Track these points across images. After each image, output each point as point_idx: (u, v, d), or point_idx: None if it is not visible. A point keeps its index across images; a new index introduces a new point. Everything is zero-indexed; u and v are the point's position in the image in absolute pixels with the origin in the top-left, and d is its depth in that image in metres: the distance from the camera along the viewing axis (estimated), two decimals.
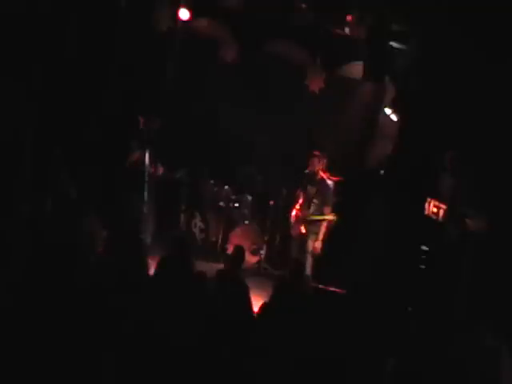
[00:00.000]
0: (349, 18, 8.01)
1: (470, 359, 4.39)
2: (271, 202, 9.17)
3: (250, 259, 8.74)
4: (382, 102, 8.65)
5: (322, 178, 7.72)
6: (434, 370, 4.24)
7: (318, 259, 7.63)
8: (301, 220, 7.81)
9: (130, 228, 6.92)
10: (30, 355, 3.60)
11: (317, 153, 7.76)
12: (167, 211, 8.68)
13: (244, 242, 8.52)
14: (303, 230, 7.75)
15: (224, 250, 8.96)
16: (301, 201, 7.93)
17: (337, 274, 7.01)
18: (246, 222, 9.11)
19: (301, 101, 9.26)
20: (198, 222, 9.36)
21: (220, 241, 9.24)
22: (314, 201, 7.71)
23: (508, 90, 6.40)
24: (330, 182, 7.75)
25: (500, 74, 6.43)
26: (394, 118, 8.16)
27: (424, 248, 6.69)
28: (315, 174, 7.73)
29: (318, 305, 5.46)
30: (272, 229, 9.22)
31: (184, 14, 8.50)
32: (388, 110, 8.24)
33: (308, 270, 7.46)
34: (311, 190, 7.78)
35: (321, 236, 7.57)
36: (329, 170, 7.95)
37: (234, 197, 9.28)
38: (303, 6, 8.16)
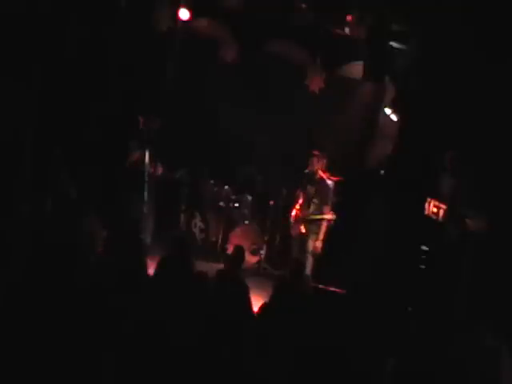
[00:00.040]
0: (349, 18, 8.00)
1: (470, 359, 4.39)
2: (271, 202, 9.17)
3: (250, 259, 8.74)
4: (382, 101, 8.65)
5: (322, 177, 7.72)
6: (434, 370, 4.24)
7: (318, 259, 7.64)
8: (301, 220, 7.82)
9: (129, 228, 6.92)
10: (30, 355, 3.60)
11: (316, 152, 7.77)
12: (167, 211, 8.68)
13: (244, 242, 8.52)
14: (303, 230, 7.75)
15: (224, 249, 8.96)
16: (301, 201, 7.94)
17: (337, 274, 7.00)
18: (246, 222, 9.11)
19: (301, 101, 9.25)
20: (198, 222, 9.36)
21: (220, 241, 9.24)
22: (314, 200, 7.72)
23: (508, 90, 6.40)
24: (329, 182, 7.76)
25: (500, 73, 6.42)
26: (394, 118, 8.16)
27: (424, 248, 6.69)
28: (315, 173, 7.74)
29: (318, 305, 5.46)
30: (272, 229, 9.22)
31: (184, 13, 8.50)
32: (388, 110, 8.24)
33: (308, 270, 7.46)
34: (311, 189, 7.79)
35: (321, 236, 7.58)
36: (329, 169, 7.95)
37: (233, 197, 9.28)
38: (303, 5, 8.16)
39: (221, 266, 6.76)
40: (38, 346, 3.65)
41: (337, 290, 6.26)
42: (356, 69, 8.61)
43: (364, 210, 8.24)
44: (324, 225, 7.62)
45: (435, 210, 6.59)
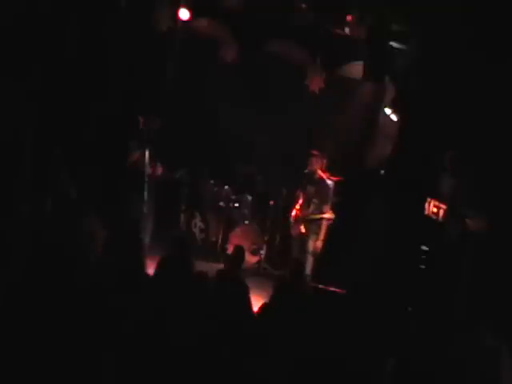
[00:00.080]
0: (349, 17, 8.00)
1: (470, 359, 4.39)
2: (271, 202, 9.17)
3: (250, 259, 8.74)
4: (382, 101, 8.65)
5: (321, 177, 7.73)
6: (434, 370, 4.24)
7: (319, 259, 7.64)
8: (301, 220, 7.82)
9: (130, 228, 6.92)
10: (30, 355, 3.60)
11: (315, 152, 7.78)
12: (167, 211, 8.68)
13: (244, 242, 8.53)
14: (303, 230, 7.76)
15: (224, 249, 8.96)
16: (301, 201, 7.94)
17: (337, 274, 7.00)
18: (246, 222, 9.12)
19: (301, 101, 9.25)
20: (198, 222, 9.36)
21: (220, 241, 9.24)
22: (314, 200, 7.73)
23: (508, 90, 6.40)
24: (329, 182, 7.76)
25: (500, 73, 6.42)
26: (394, 118, 8.16)
27: (424, 248, 6.69)
28: (314, 173, 7.74)
29: (318, 305, 5.46)
30: (272, 229, 9.22)
31: (184, 13, 8.50)
32: (388, 110, 8.24)
33: (308, 270, 7.47)
34: (310, 189, 7.80)
35: (322, 235, 7.59)
36: (329, 169, 7.96)
37: (233, 197, 9.29)
38: (303, 5, 8.16)
39: (221, 266, 6.77)
40: (38, 346, 3.65)
41: (337, 289, 6.26)
42: (356, 69, 8.61)
43: (364, 209, 8.24)
44: (324, 224, 7.62)
45: (435, 209, 6.59)
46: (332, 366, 4.13)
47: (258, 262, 8.91)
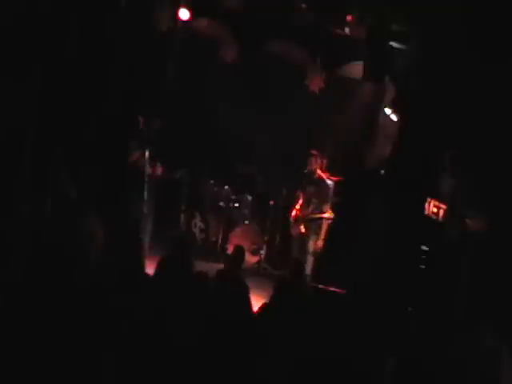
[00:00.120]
0: (349, 17, 8.00)
1: (470, 359, 4.39)
2: (271, 202, 9.17)
3: (250, 259, 8.74)
4: (382, 101, 8.64)
5: (320, 176, 7.74)
6: (434, 370, 4.24)
7: (319, 259, 7.65)
8: (300, 220, 7.82)
9: (130, 228, 6.92)
10: (30, 355, 3.60)
11: (314, 152, 7.79)
12: (167, 211, 8.69)
13: (244, 242, 8.53)
14: (303, 230, 7.76)
15: (224, 249, 8.97)
16: (301, 201, 7.95)
17: (337, 274, 7.01)
18: (246, 222, 9.12)
19: (301, 101, 9.25)
20: (198, 222, 9.36)
21: (220, 241, 9.24)
22: (314, 200, 7.74)
23: (508, 90, 6.40)
24: (329, 182, 7.77)
25: (500, 74, 6.42)
26: (394, 118, 8.16)
27: (424, 248, 6.69)
28: (313, 173, 7.75)
29: (318, 305, 5.46)
30: (272, 229, 9.23)
31: (184, 13, 8.50)
32: (388, 110, 8.24)
33: (308, 270, 7.47)
34: (310, 189, 7.81)
35: (322, 235, 7.60)
36: (329, 169, 7.96)
37: (234, 197, 9.29)
38: (303, 5, 8.16)
39: (221, 266, 6.77)
40: (38, 346, 3.65)
41: (337, 289, 6.26)
42: (356, 69, 8.61)
43: (364, 209, 8.24)
44: (324, 224, 7.64)
45: (435, 209, 6.59)
46: (332, 366, 4.13)
47: (258, 262, 8.91)
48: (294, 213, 7.98)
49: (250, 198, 9.32)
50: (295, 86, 9.26)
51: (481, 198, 6.29)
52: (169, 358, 3.85)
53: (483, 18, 6.52)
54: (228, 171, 9.41)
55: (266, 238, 9.07)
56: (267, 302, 4.81)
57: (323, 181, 7.74)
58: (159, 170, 7.65)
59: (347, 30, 8.17)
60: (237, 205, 9.24)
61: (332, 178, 7.96)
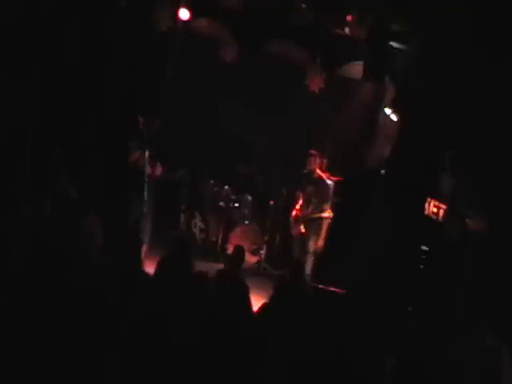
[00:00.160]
0: (349, 17, 8.00)
1: (470, 359, 4.39)
2: (271, 202, 9.17)
3: (250, 259, 8.74)
4: (382, 101, 8.64)
5: (320, 176, 7.75)
6: (434, 370, 4.24)
7: (319, 258, 7.65)
8: (300, 220, 7.83)
9: (130, 228, 6.92)
10: (30, 355, 3.60)
11: (313, 152, 7.79)
12: (167, 211, 8.69)
13: (244, 242, 8.53)
14: (303, 230, 7.77)
15: (224, 249, 8.97)
16: (300, 201, 7.95)
17: (337, 274, 7.01)
18: (246, 222, 9.12)
19: (301, 101, 9.25)
20: (198, 222, 9.36)
21: (220, 241, 9.24)
22: (313, 200, 7.74)
23: (508, 90, 6.40)
24: (329, 182, 7.78)
25: (500, 74, 6.42)
26: (394, 118, 8.16)
27: (424, 248, 6.69)
28: (313, 172, 7.76)
29: (318, 305, 5.46)
30: (272, 229, 9.22)
31: (184, 13, 8.49)
32: (388, 110, 8.24)
33: (308, 270, 7.47)
34: (309, 189, 7.81)
35: (323, 234, 7.61)
36: (329, 169, 7.96)
37: (233, 197, 9.29)
38: (303, 5, 8.15)
39: (221, 266, 6.77)
40: (38, 346, 3.65)
41: (337, 289, 6.26)
42: (356, 69, 8.61)
43: (364, 209, 8.24)
44: (324, 224, 7.64)
45: (435, 209, 6.59)
46: (332, 366, 4.13)
47: (258, 262, 8.91)
48: (294, 213, 7.98)
49: (250, 197, 9.32)
50: (295, 85, 9.25)
51: (481, 198, 6.29)
52: (169, 357, 3.85)
53: (483, 18, 6.52)
54: (228, 171, 9.41)
55: (266, 238, 9.06)
56: (267, 301, 4.81)
57: (323, 181, 7.75)
58: (159, 170, 7.65)
59: (347, 30, 8.17)
60: (237, 205, 9.24)
61: (332, 177, 7.96)
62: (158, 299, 4.35)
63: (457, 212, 6.41)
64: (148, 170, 7.36)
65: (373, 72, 8.15)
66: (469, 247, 6.30)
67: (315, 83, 9.10)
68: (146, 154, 7.29)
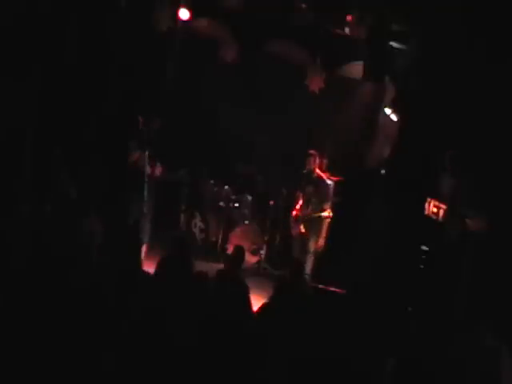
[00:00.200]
0: (349, 17, 8.00)
1: (470, 359, 4.39)
2: (271, 202, 9.17)
3: (250, 259, 8.74)
4: (382, 101, 8.64)
5: (319, 176, 7.75)
6: (434, 370, 4.24)
7: (319, 258, 7.65)
8: (300, 219, 7.83)
9: (129, 228, 6.92)
10: (30, 355, 3.60)
11: (312, 152, 7.80)
12: (167, 211, 8.69)
13: (244, 242, 8.53)
14: (303, 230, 7.77)
15: (224, 249, 8.96)
16: (300, 201, 7.96)
17: (337, 274, 7.01)
18: (246, 222, 9.11)
19: (301, 101, 9.25)
20: (198, 222, 9.36)
21: (220, 241, 9.24)
22: (313, 200, 7.74)
23: (508, 90, 6.40)
24: (329, 181, 7.78)
25: (500, 73, 6.42)
26: (394, 117, 8.16)
27: (424, 248, 6.69)
28: (312, 172, 7.76)
29: (318, 305, 5.46)
30: (272, 229, 9.22)
31: (184, 13, 8.49)
32: (388, 110, 8.24)
33: (308, 270, 7.47)
34: (309, 189, 7.81)
35: (323, 234, 7.62)
36: (329, 169, 7.96)
37: (233, 197, 9.28)
38: (303, 5, 8.15)
39: (221, 266, 6.76)
40: (38, 346, 3.65)
41: (337, 289, 6.26)
42: (356, 69, 8.60)
43: (364, 209, 8.24)
44: (325, 223, 7.65)
45: (435, 209, 6.59)
46: (332, 366, 4.13)
47: (258, 262, 8.91)
48: (294, 213, 7.98)
49: (250, 197, 9.32)
50: (295, 86, 9.25)
51: (481, 198, 6.29)
52: (169, 357, 3.85)
53: (483, 18, 6.52)
54: (228, 171, 9.41)
55: (266, 238, 9.06)
56: (267, 301, 4.82)
57: (322, 180, 7.75)
58: (159, 170, 7.65)
59: (347, 30, 8.16)
60: (237, 205, 9.23)
61: (332, 177, 7.96)
62: (157, 299, 4.35)
63: (457, 212, 6.41)
64: (148, 170, 7.36)
65: (373, 72, 8.15)
66: (469, 247, 6.30)
67: (315, 83, 9.10)
68: (146, 153, 7.30)
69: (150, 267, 5.17)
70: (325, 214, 7.67)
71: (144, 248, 6.96)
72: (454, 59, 6.82)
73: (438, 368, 4.31)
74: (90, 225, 5.28)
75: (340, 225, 7.96)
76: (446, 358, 4.54)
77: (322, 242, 7.63)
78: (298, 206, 7.97)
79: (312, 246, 7.65)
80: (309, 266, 7.56)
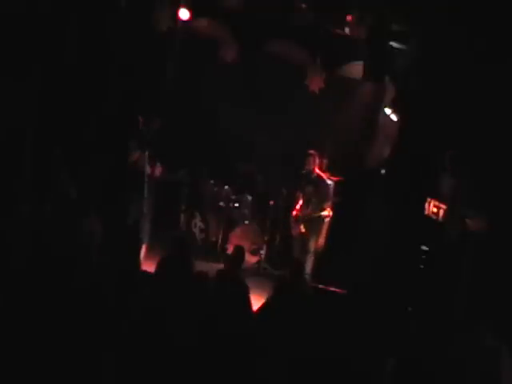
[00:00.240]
0: (349, 17, 8.00)
1: (470, 359, 4.39)
2: (271, 202, 9.17)
3: (250, 259, 8.74)
4: (382, 101, 8.64)
5: (319, 176, 7.75)
6: (434, 370, 4.24)
7: (319, 258, 7.65)
8: (300, 219, 7.83)
9: (129, 228, 6.92)
10: (31, 355, 3.60)
11: (312, 152, 7.80)
12: (167, 211, 8.69)
13: (244, 242, 8.53)
14: (303, 230, 7.77)
15: (224, 249, 8.96)
16: (300, 201, 7.96)
17: (337, 274, 7.01)
18: (246, 222, 9.11)
19: (301, 101, 9.25)
20: (198, 222, 9.36)
21: (220, 241, 9.24)
22: (313, 200, 7.75)
23: (508, 90, 6.40)
24: (329, 181, 7.79)
25: (500, 73, 6.42)
26: (394, 118, 8.16)
27: (424, 248, 6.69)
28: (311, 172, 7.76)
29: (318, 305, 5.46)
30: (272, 229, 9.22)
31: (184, 13, 8.49)
32: (388, 110, 8.24)
33: (308, 270, 7.48)
34: (309, 189, 7.82)
35: (323, 234, 7.62)
36: (329, 169, 7.96)
37: (233, 197, 9.28)
38: (303, 5, 8.15)
39: (221, 266, 6.77)
40: (38, 346, 3.65)
41: (337, 289, 6.26)
42: (356, 69, 8.60)
43: (364, 209, 8.24)
44: (325, 223, 7.65)
45: (435, 209, 6.59)
46: (332, 365, 4.13)
47: (258, 262, 8.90)
48: (294, 213, 7.99)
49: (249, 197, 9.32)
50: (295, 85, 9.24)
51: (481, 198, 6.29)
52: (169, 357, 3.85)
53: (483, 18, 6.52)
54: (228, 171, 9.41)
55: (266, 238, 9.06)
56: (267, 301, 4.82)
57: (322, 180, 7.75)
58: (159, 170, 7.65)
59: (347, 30, 8.16)
60: (237, 205, 9.23)
61: (332, 177, 7.96)
62: (157, 299, 4.36)
63: (457, 212, 6.41)
64: (148, 170, 7.37)
65: (373, 72, 8.15)
66: (469, 247, 6.30)
67: (315, 83, 9.09)
68: (146, 154, 7.30)
69: (149, 267, 5.17)
70: (325, 213, 7.67)
71: (144, 248, 6.97)
72: (454, 59, 6.82)
73: (438, 368, 4.31)
74: (89, 225, 5.28)
75: (340, 225, 7.96)
76: (446, 358, 4.54)
77: (322, 241, 7.63)
78: (297, 206, 7.96)
79: (312, 246, 7.65)
80: (309, 266, 7.56)
